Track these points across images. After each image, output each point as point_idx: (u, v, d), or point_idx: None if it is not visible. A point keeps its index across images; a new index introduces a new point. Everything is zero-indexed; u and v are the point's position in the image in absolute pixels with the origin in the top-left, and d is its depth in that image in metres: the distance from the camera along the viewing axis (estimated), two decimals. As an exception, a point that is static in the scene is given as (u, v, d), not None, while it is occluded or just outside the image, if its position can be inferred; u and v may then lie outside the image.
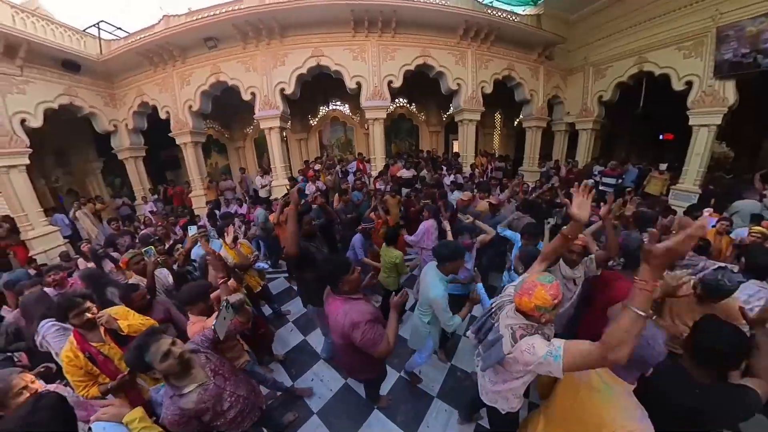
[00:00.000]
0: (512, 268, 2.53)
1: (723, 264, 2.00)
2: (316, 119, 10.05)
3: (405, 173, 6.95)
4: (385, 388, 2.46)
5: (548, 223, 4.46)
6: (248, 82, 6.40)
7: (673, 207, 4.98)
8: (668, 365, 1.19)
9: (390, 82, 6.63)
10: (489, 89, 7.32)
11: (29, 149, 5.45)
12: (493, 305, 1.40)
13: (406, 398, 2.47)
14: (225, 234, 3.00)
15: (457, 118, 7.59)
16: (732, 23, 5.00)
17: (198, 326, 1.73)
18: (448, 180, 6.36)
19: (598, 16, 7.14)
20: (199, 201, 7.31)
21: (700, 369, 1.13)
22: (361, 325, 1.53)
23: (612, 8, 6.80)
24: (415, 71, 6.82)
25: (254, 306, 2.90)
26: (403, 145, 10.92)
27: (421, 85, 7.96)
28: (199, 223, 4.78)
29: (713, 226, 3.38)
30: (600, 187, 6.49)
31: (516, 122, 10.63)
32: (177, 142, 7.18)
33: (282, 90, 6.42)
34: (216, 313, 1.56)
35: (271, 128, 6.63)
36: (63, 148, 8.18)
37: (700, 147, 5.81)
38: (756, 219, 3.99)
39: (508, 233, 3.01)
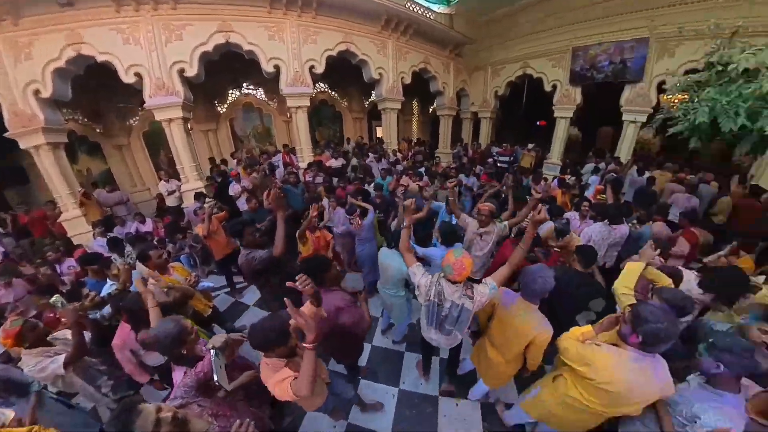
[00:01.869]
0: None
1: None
2: (225, 106, 8.64)
3: (334, 163, 6.88)
4: (362, 361, 2.83)
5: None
6: (129, 58, 4.95)
7: (545, 176, 6.65)
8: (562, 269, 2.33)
9: (312, 67, 6.25)
10: (408, 80, 7.73)
11: None
12: (430, 297, 1.83)
13: (383, 360, 2.91)
14: (149, 261, 2.49)
15: (380, 106, 7.82)
16: (582, 46, 6.79)
17: (284, 374, 1.40)
18: (378, 167, 6.55)
19: (496, 25, 8.35)
20: (76, 225, 5.29)
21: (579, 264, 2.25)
22: (345, 309, 1.85)
23: (505, 21, 8.12)
24: (337, 57, 6.62)
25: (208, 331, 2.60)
26: (327, 132, 10.61)
27: (342, 70, 7.81)
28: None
29: (563, 187, 4.91)
30: (498, 165, 8.04)
31: (431, 110, 11.63)
32: (22, 147, 4.94)
33: (181, 71, 5.26)
34: (211, 367, 1.43)
35: (171, 120, 5.39)
36: None
37: (560, 132, 7.82)
38: (595, 170, 6.03)
39: (434, 205, 3.70)
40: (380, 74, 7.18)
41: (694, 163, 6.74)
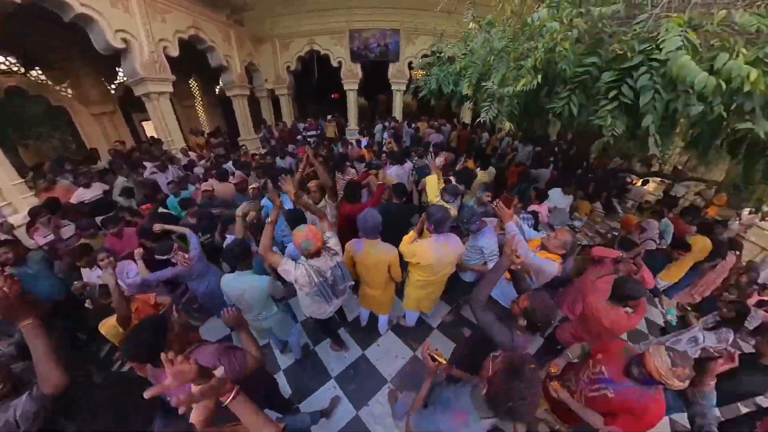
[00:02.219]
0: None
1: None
2: None
3: (87, 193, 4.38)
4: (285, 392, 2.54)
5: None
6: None
7: (349, 141, 7.76)
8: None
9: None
10: (175, 51, 5.95)
11: None
12: (314, 281, 1.87)
13: (303, 370, 2.72)
14: None
15: (138, 91, 5.64)
16: (357, 29, 8.13)
17: None
18: (165, 179, 4.85)
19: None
20: None
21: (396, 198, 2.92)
22: (219, 366, 1.34)
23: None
24: (34, 9, 4.04)
25: None
26: (46, 147, 6.78)
27: (53, 36, 5.14)
28: None
29: (365, 147, 6.30)
30: (308, 140, 8.45)
31: (218, 90, 9.99)
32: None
33: None
34: None
35: None
36: None
37: (351, 102, 9.29)
38: (384, 129, 7.96)
39: (264, 201, 3.45)
40: (125, 41, 5.06)
41: (436, 114, 10.02)
